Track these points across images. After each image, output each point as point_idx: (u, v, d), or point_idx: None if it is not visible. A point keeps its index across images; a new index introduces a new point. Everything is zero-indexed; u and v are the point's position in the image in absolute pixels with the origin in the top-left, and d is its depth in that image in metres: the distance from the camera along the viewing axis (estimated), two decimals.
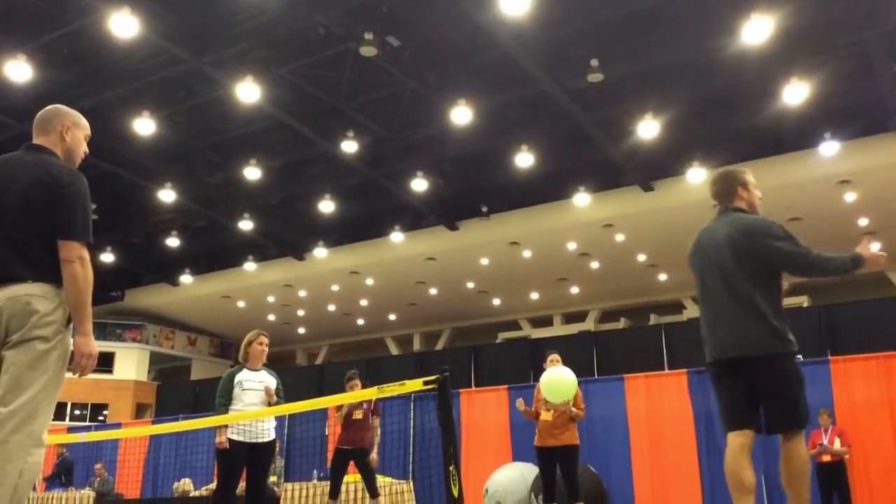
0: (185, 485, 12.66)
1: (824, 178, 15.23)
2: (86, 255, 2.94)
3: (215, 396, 6.43)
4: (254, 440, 6.31)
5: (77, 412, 24.66)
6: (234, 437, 6.24)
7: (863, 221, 16.90)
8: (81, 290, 2.89)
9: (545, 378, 7.17)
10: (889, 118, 13.95)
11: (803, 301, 19.02)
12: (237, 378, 6.44)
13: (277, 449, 12.26)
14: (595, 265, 19.97)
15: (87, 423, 22.28)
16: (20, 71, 12.72)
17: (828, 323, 14.70)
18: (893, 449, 10.14)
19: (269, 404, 6.45)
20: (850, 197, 15.74)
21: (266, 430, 6.40)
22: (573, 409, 7.41)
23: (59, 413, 23.32)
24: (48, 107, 3.27)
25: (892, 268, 18.76)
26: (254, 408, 6.37)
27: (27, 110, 14.19)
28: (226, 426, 6.21)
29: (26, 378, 2.78)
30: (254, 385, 6.44)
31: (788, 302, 19.23)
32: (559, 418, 7.38)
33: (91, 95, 13.95)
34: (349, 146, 15.28)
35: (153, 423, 16.90)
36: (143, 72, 13.71)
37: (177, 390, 24.84)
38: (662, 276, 20.43)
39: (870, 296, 17.63)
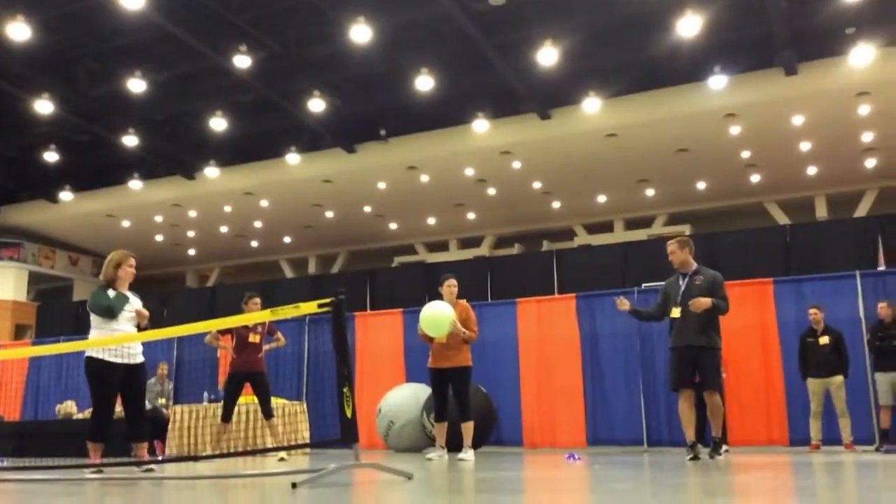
0: (68, 407, 12.35)
1: (712, 110, 15.70)
2: None
3: (100, 312, 6.21)
4: (129, 361, 6.24)
5: None
6: (110, 359, 6.15)
7: (745, 154, 17.59)
8: None
9: (422, 319, 7.34)
10: (776, 54, 14.44)
11: (685, 230, 19.82)
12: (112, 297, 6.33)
13: (166, 372, 12.11)
14: (492, 191, 20.15)
15: None
16: None
17: (709, 251, 15.38)
18: (761, 369, 10.87)
19: (140, 326, 6.39)
20: (734, 130, 16.31)
21: (139, 352, 6.41)
22: (466, 331, 7.54)
23: None
24: None
25: (770, 199, 19.74)
26: (129, 328, 6.25)
27: None
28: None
29: None
30: (127, 307, 6.36)
31: (671, 231, 19.92)
32: (452, 340, 7.52)
33: None
34: (242, 61, 14.65)
35: (33, 344, 16.24)
36: None
37: (58, 311, 23.85)
38: (556, 204, 20.84)
39: (749, 225, 18.57)
